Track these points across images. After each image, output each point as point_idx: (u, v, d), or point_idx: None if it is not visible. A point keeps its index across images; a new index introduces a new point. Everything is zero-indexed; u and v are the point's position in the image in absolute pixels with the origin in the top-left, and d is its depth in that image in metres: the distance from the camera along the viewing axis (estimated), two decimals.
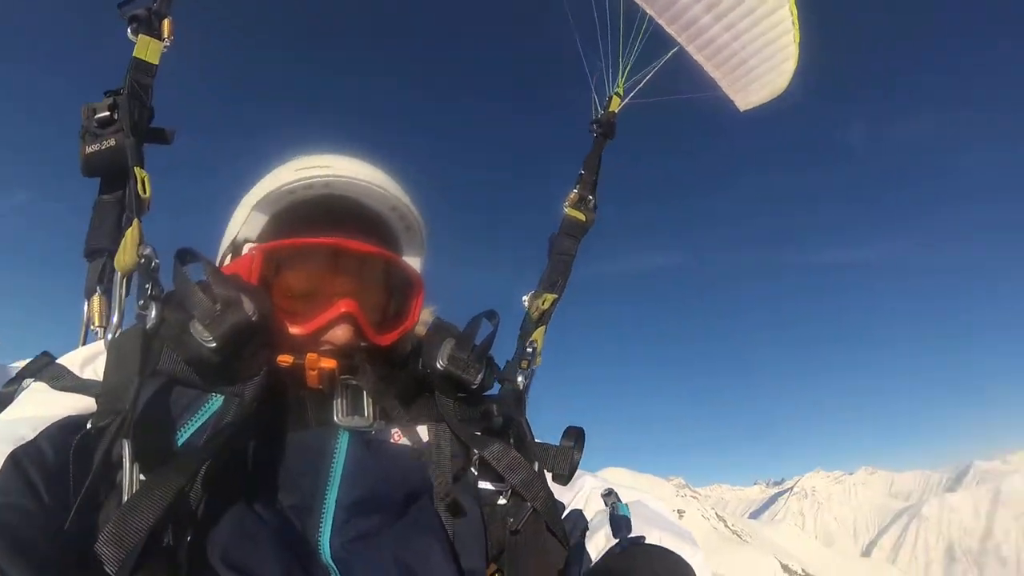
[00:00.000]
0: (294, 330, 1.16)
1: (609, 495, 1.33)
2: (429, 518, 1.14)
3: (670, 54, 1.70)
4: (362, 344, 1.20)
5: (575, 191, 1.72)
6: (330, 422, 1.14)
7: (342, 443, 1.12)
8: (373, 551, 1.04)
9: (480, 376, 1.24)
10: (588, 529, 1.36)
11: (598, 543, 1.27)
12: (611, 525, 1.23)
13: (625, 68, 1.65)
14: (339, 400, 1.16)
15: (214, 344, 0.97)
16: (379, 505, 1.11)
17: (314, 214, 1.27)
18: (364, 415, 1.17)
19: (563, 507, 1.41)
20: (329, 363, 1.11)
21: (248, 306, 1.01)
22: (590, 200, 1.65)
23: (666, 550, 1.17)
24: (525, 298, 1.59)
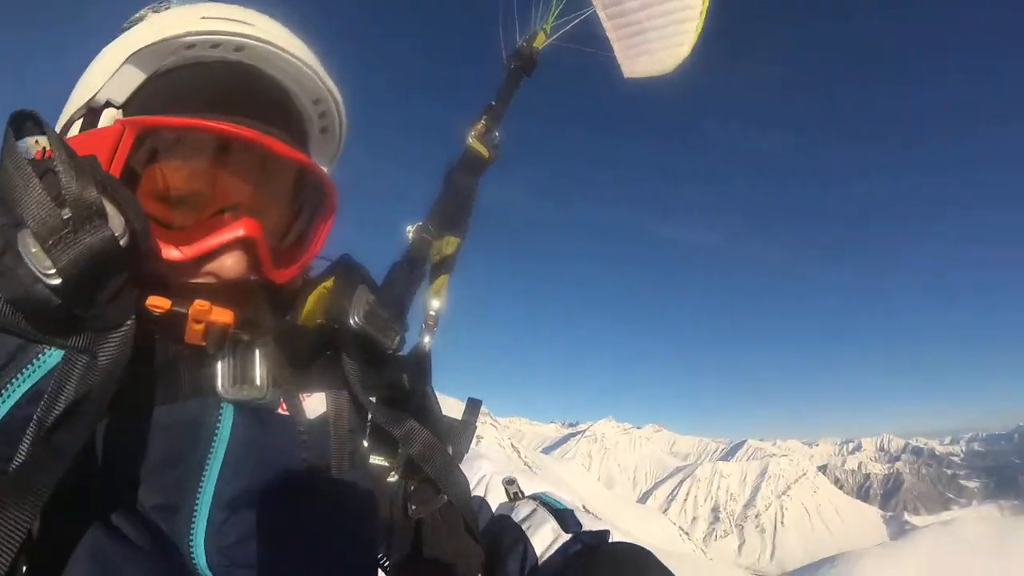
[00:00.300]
0: (168, 252, 0.80)
1: (512, 484, 1.25)
2: (329, 509, 0.92)
3: (594, 8, 1.60)
4: (252, 279, 0.88)
5: (483, 122, 1.40)
6: (210, 392, 0.83)
7: (225, 420, 0.83)
8: (264, 558, 0.80)
9: (398, 340, 1.00)
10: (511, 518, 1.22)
11: (544, 538, 1.13)
12: (557, 520, 1.14)
13: (557, 7, 1.53)
14: (225, 363, 0.84)
15: (57, 280, 0.62)
16: (269, 496, 0.84)
17: (215, 85, 0.91)
18: (256, 383, 0.85)
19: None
20: (224, 316, 0.79)
21: (116, 220, 0.66)
22: (496, 136, 1.38)
23: (636, 548, 1.02)
24: (410, 229, 1.27)
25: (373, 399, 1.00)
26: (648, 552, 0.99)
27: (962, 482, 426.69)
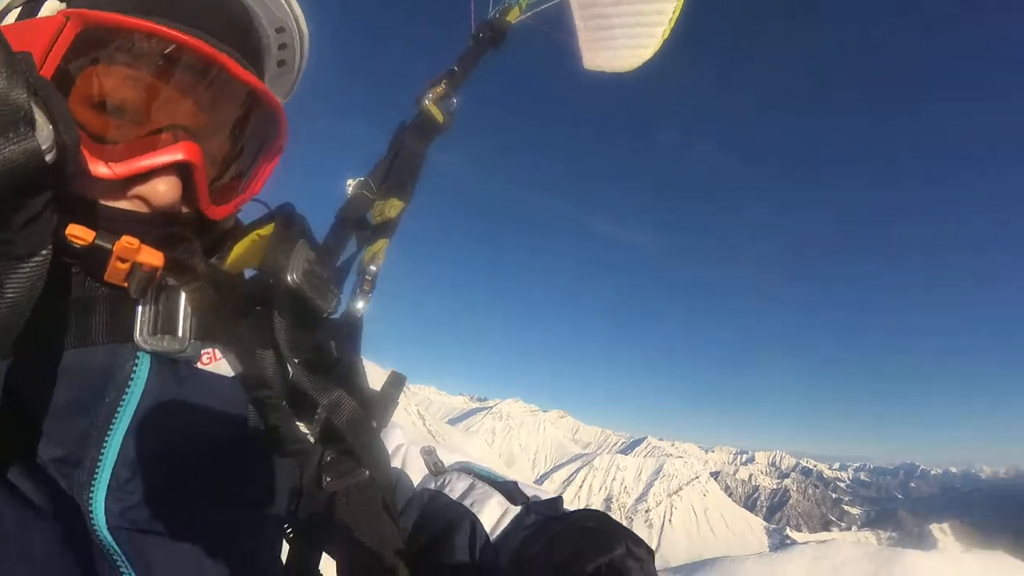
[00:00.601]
0: (96, 168, 0.71)
1: (431, 454, 1.18)
2: (242, 473, 0.85)
3: None
4: (184, 211, 0.81)
5: (442, 86, 1.30)
6: (126, 338, 0.74)
7: (140, 371, 0.75)
8: (170, 522, 0.74)
9: (334, 303, 0.91)
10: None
11: (492, 513, 1.02)
12: (502, 493, 1.04)
13: None
14: (146, 308, 0.75)
15: None
16: (181, 457, 0.77)
17: None
18: (178, 334, 0.76)
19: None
20: (153, 258, 0.70)
21: (44, 131, 0.56)
22: (453, 103, 1.28)
23: (596, 514, 0.93)
24: (350, 183, 1.19)
25: (298, 361, 0.91)
26: (607, 515, 0.93)
27: (845, 507, 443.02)
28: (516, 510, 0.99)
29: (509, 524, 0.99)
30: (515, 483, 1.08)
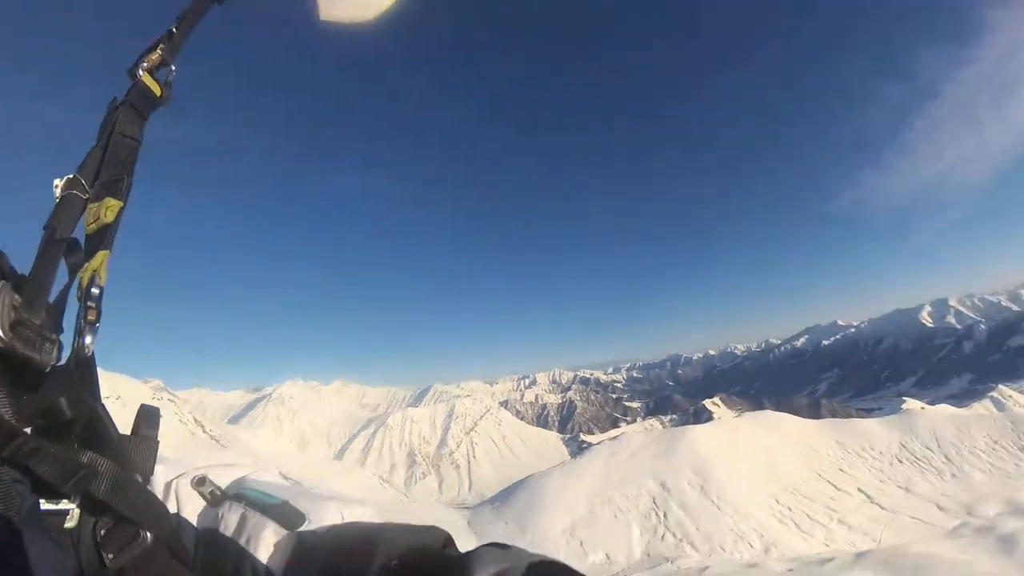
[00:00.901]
0: None
1: (203, 483, 1.02)
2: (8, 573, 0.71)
3: None
4: None
5: (159, 52, 1.10)
6: None
7: None
8: None
9: (55, 352, 0.77)
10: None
11: (267, 544, 0.92)
12: (274, 519, 0.93)
13: None
14: None
15: None
16: None
17: None
18: None
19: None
20: None
21: None
22: (172, 70, 1.10)
23: (344, 527, 0.90)
24: (57, 184, 0.94)
25: (31, 431, 0.72)
26: (358, 524, 0.91)
27: (626, 404, 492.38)
28: (291, 539, 0.90)
29: (283, 552, 0.90)
30: (286, 503, 0.97)
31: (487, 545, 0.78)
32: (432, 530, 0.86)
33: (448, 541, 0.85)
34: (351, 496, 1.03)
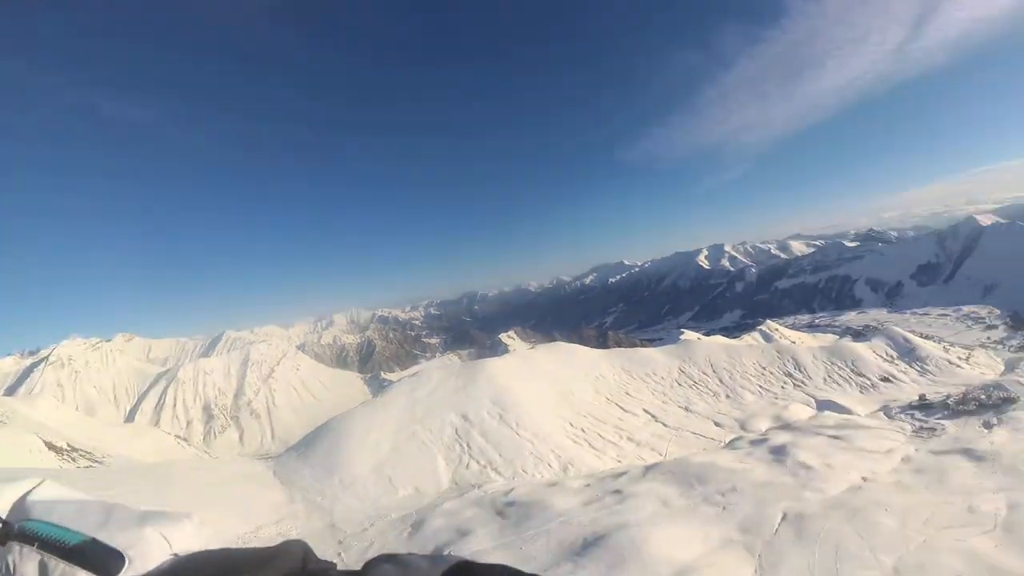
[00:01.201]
0: None
1: None
2: None
3: None
4: None
5: None
6: None
7: None
8: None
9: None
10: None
11: None
12: (85, 566, 0.80)
13: None
14: None
15: None
16: None
17: None
18: None
19: None
20: None
21: None
22: None
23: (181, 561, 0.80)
24: None
25: None
26: (197, 558, 0.79)
27: (424, 340, 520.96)
28: None
29: None
30: (98, 517, 0.86)
31: (376, 559, 0.73)
32: (287, 547, 0.78)
33: (307, 555, 0.77)
34: (165, 510, 0.91)
